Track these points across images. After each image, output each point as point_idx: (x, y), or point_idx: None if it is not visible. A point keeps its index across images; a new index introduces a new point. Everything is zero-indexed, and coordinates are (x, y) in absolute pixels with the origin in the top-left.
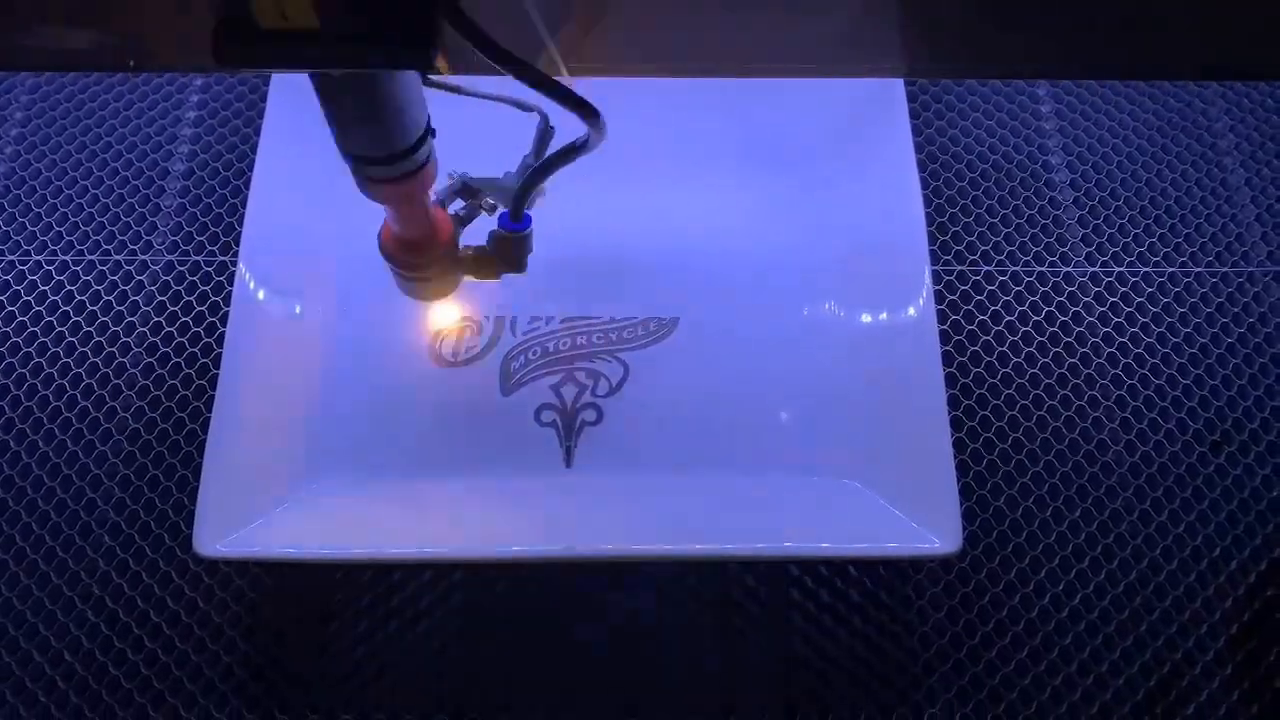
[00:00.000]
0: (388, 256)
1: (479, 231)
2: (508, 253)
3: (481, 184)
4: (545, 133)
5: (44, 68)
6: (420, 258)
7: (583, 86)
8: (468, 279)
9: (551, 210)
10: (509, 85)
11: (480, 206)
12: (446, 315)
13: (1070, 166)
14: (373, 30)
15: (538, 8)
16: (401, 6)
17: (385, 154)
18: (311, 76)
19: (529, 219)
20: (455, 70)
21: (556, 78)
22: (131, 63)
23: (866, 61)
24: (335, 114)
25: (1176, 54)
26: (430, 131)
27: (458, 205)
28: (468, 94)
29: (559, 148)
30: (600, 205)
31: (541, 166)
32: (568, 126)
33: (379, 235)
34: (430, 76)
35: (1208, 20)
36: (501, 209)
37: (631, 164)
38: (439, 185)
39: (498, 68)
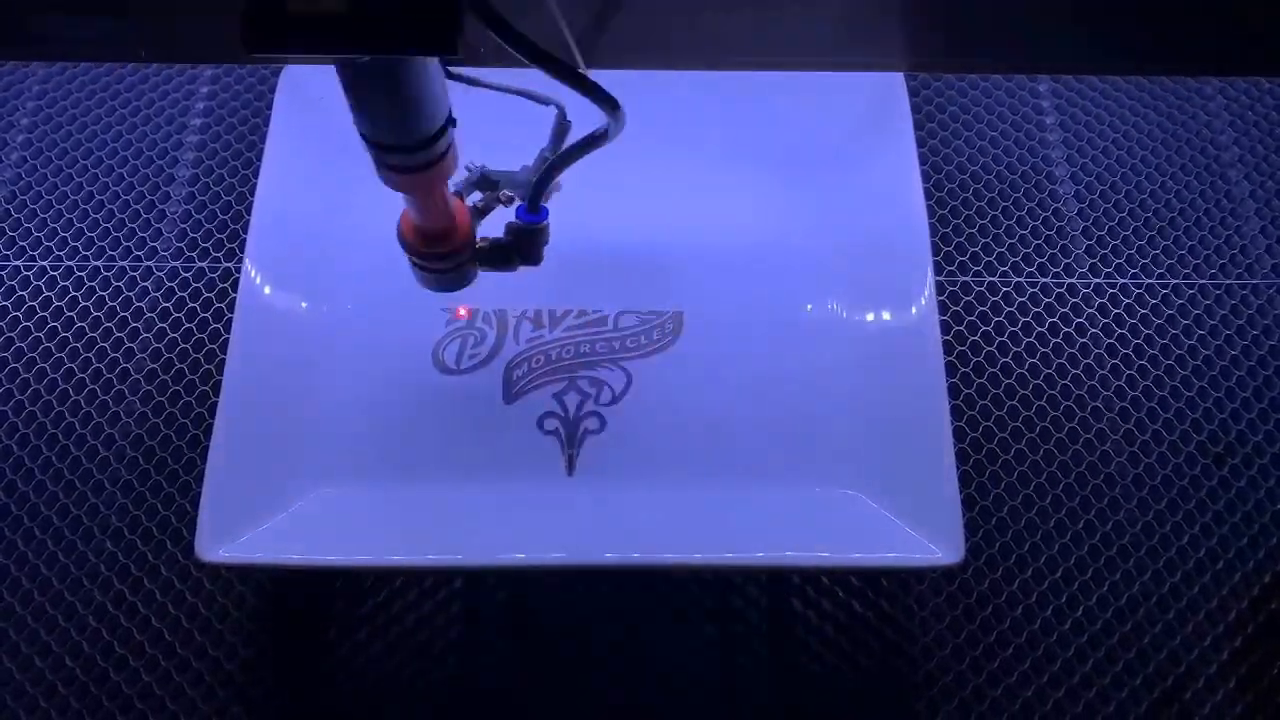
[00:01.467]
0: (406, 247)
1: (495, 224)
2: (525, 244)
3: (499, 176)
4: (562, 126)
5: (55, 57)
6: (438, 248)
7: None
8: (484, 271)
9: (557, 207)
10: (525, 79)
11: (498, 199)
12: (461, 307)
13: (1075, 178)
14: (399, 15)
15: (558, 3)
16: None
17: (407, 142)
18: (337, 63)
19: (546, 211)
20: (474, 64)
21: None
22: (143, 53)
23: (868, 56)
24: (359, 100)
25: (1179, 48)
26: (451, 121)
27: (476, 197)
28: (487, 86)
29: (577, 140)
30: (604, 202)
31: (561, 158)
32: (581, 120)
33: (398, 226)
34: (450, 69)
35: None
36: (519, 201)
37: (634, 162)
38: (457, 177)
39: (524, 61)
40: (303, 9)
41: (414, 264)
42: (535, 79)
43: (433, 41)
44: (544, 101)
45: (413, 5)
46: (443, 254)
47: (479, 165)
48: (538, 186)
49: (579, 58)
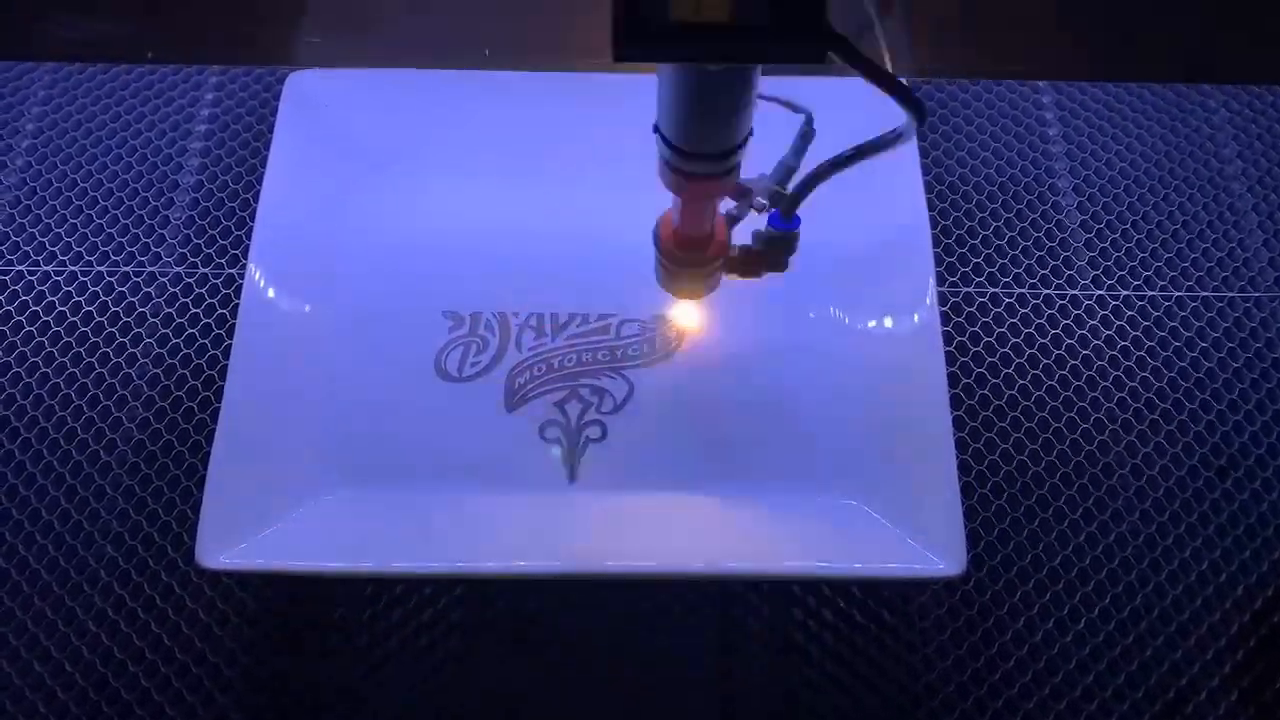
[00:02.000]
0: (663, 250)
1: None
2: (775, 252)
3: (749, 184)
4: (807, 135)
5: (62, 58)
6: (698, 254)
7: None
8: (727, 277)
9: (556, 211)
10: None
11: (750, 206)
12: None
13: (1077, 189)
14: (776, 25)
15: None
16: (800, 1)
17: (714, 150)
18: (679, 69)
19: (798, 219)
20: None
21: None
22: (150, 54)
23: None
24: (683, 105)
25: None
26: (750, 132)
27: (728, 204)
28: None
29: (870, 140)
30: (606, 207)
31: (842, 160)
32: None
33: (656, 230)
34: None
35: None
36: (771, 209)
37: (638, 168)
38: None
39: (845, 64)
40: (687, 17)
41: (663, 266)
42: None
43: (804, 52)
44: (796, 109)
45: (785, 15)
46: (701, 260)
47: None
48: (799, 193)
49: (888, 63)
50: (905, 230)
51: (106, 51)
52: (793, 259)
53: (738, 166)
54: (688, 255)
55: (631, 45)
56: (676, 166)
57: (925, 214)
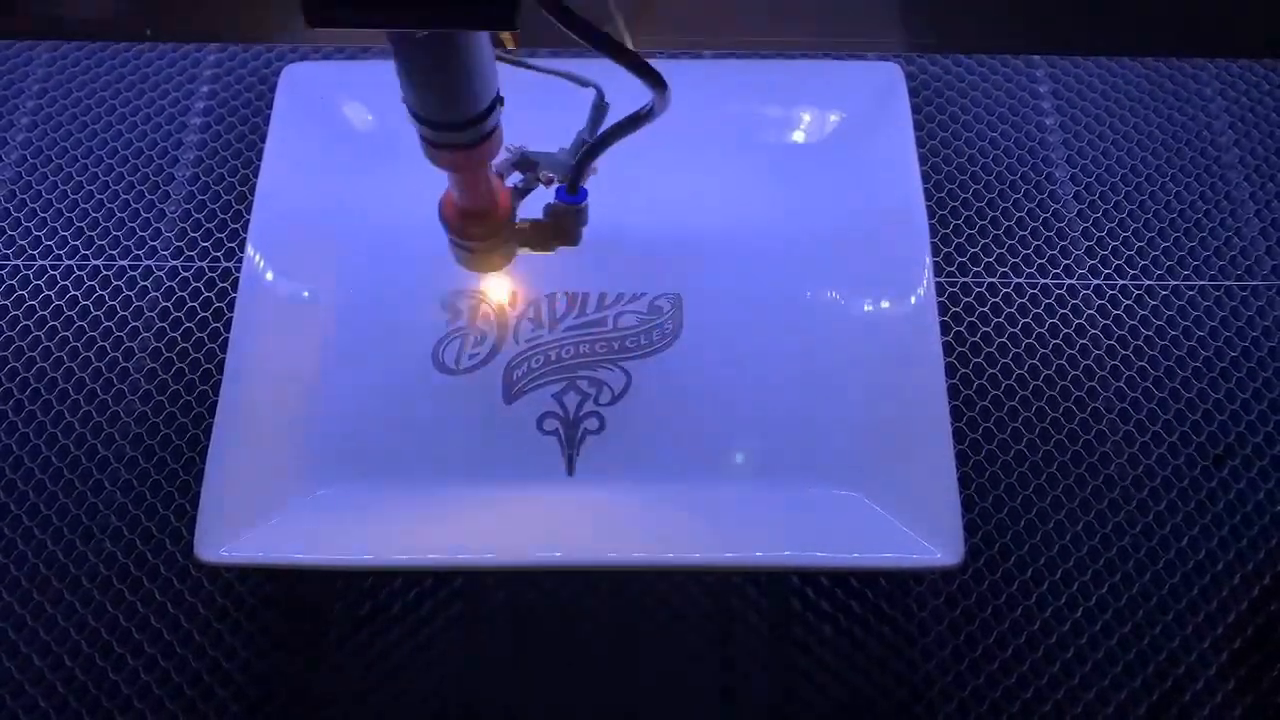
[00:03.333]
0: (448, 226)
1: (532, 205)
2: (564, 225)
3: (539, 157)
4: (600, 108)
5: (60, 35)
6: (480, 228)
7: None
8: (522, 251)
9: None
10: (562, 62)
11: (538, 179)
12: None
13: (1075, 179)
14: None
15: None
16: None
17: (456, 119)
18: (393, 38)
19: (585, 192)
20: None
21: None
22: (148, 31)
23: (866, 36)
24: (411, 75)
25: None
26: (499, 100)
27: (516, 178)
28: (530, 68)
29: (622, 118)
30: (604, 191)
31: (605, 136)
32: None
33: (440, 205)
34: (499, 51)
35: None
36: (558, 183)
37: (635, 152)
38: (498, 158)
39: (576, 40)
40: None
41: (454, 243)
42: (572, 62)
43: (493, 17)
44: (584, 83)
45: None
46: (483, 234)
47: (518, 146)
48: (579, 167)
49: (628, 38)
50: (901, 215)
51: (105, 30)
52: (786, 241)
53: (489, 135)
54: (471, 229)
55: (321, 11)
56: (426, 138)
57: (921, 198)
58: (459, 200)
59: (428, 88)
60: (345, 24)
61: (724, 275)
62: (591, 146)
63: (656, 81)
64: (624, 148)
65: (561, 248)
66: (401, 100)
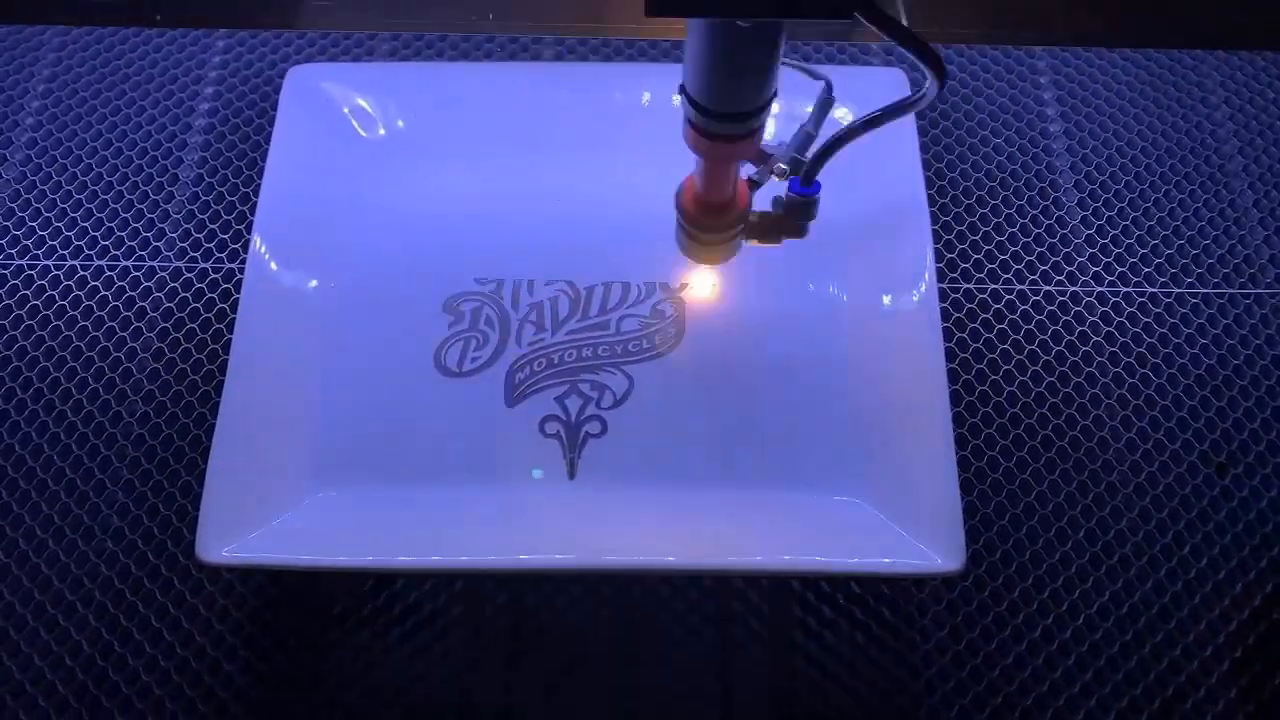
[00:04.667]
0: (685, 216)
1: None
2: (795, 217)
3: (769, 149)
4: (826, 102)
5: (68, 21)
6: (717, 219)
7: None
8: (747, 243)
9: (561, 185)
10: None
11: (770, 171)
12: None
13: (1079, 186)
14: None
15: None
16: None
17: (739, 110)
18: (707, 24)
19: (818, 185)
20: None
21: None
22: (158, 16)
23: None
24: (716, 65)
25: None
26: (774, 94)
27: (749, 170)
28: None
29: (892, 103)
30: (608, 185)
31: (864, 123)
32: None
33: (678, 194)
34: None
35: None
36: (791, 175)
37: (640, 149)
38: None
39: (869, 25)
40: None
41: (686, 232)
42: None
43: (831, 7)
44: (816, 76)
45: None
46: (719, 225)
47: None
48: (820, 158)
49: (903, 16)
50: (903, 209)
51: (112, 16)
52: (789, 245)
53: (761, 128)
54: (709, 220)
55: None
56: (700, 126)
57: (923, 191)
58: (701, 191)
59: (725, 76)
60: (688, 12)
61: (727, 278)
62: (845, 132)
63: (938, 69)
64: (629, 145)
65: (561, 243)
66: (679, 88)
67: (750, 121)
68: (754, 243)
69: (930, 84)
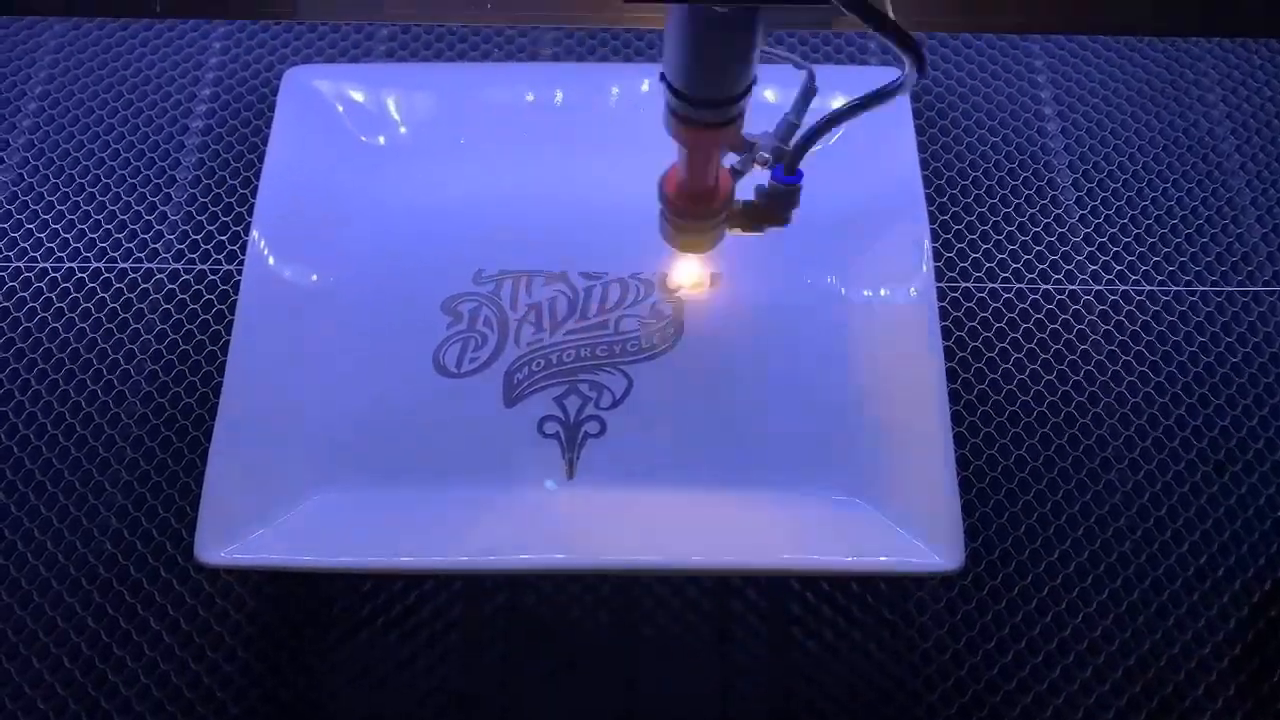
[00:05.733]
0: (668, 204)
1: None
2: (778, 206)
3: (753, 138)
4: (809, 91)
5: (68, 12)
6: (700, 207)
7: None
8: (730, 233)
9: (558, 179)
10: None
11: (754, 160)
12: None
13: (1076, 184)
14: None
15: None
16: None
17: (718, 97)
18: (687, 9)
19: (801, 173)
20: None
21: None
22: (158, 8)
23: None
24: (690, 50)
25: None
26: (754, 83)
27: (732, 159)
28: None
29: (873, 90)
30: (604, 180)
31: (845, 111)
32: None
33: (661, 184)
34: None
35: None
36: (774, 164)
37: (636, 146)
38: None
39: (848, 12)
40: None
41: (670, 222)
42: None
43: None
44: (799, 65)
45: None
46: (702, 214)
47: None
48: (802, 146)
49: (888, 6)
50: (899, 202)
51: (114, 6)
52: (788, 245)
53: (741, 116)
54: (692, 208)
55: None
56: (681, 113)
57: (920, 183)
58: (684, 179)
59: (703, 63)
60: None
61: (726, 278)
62: (824, 122)
63: (917, 57)
64: (626, 146)
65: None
66: (659, 76)
67: (728, 109)
68: (737, 231)
69: (909, 71)
